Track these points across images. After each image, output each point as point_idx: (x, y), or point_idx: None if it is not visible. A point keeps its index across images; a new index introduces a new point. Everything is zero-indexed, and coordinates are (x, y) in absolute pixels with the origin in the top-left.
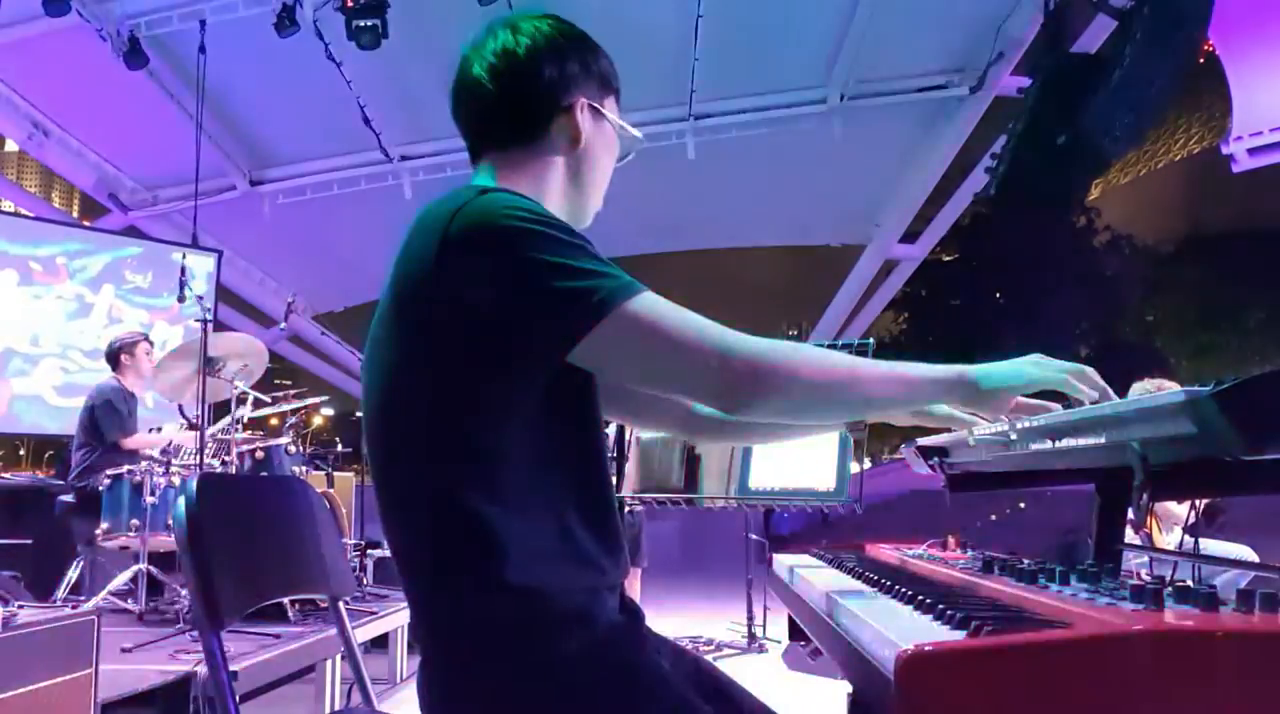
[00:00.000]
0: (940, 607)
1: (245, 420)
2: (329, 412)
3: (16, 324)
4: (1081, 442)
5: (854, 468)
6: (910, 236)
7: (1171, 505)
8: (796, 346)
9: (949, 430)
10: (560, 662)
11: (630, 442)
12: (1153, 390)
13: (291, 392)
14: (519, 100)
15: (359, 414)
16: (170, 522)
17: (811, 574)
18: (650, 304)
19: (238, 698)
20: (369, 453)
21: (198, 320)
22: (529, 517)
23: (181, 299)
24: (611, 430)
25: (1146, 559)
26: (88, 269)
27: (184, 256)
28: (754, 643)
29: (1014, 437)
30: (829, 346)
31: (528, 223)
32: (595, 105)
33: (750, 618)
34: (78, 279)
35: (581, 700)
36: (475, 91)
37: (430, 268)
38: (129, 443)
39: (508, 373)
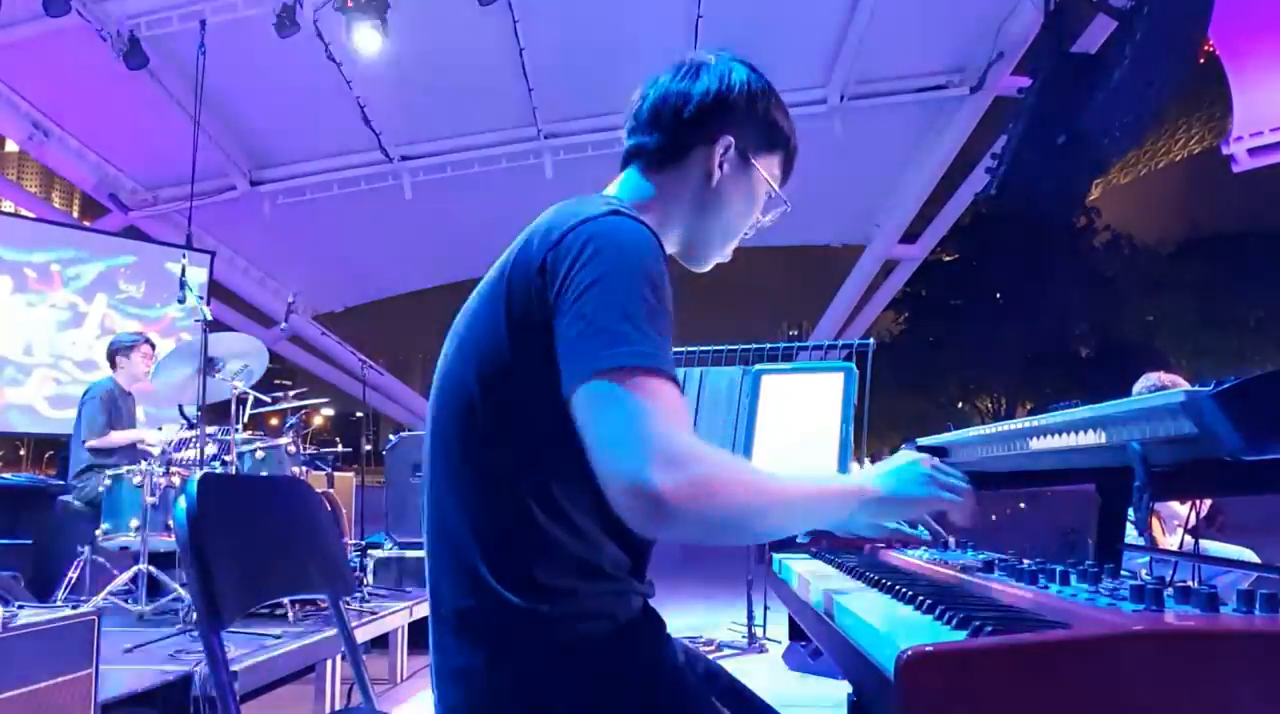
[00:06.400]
0: (940, 607)
1: (245, 421)
2: (329, 412)
3: (11, 332)
4: (1081, 441)
5: (854, 468)
6: (910, 236)
7: (1175, 505)
8: (724, 475)
9: None
10: (580, 655)
11: None
12: (1167, 385)
13: (291, 392)
14: (667, 119)
15: (359, 414)
16: (170, 522)
17: (811, 574)
18: (641, 385)
19: (238, 698)
20: (436, 428)
21: (196, 320)
22: (566, 522)
23: (181, 301)
24: None
25: (1147, 559)
26: (81, 277)
27: (185, 257)
28: (754, 643)
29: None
30: (828, 347)
31: (625, 259)
32: (745, 150)
33: (750, 618)
34: (71, 287)
35: (600, 695)
36: (647, 96)
37: (538, 265)
38: (94, 443)
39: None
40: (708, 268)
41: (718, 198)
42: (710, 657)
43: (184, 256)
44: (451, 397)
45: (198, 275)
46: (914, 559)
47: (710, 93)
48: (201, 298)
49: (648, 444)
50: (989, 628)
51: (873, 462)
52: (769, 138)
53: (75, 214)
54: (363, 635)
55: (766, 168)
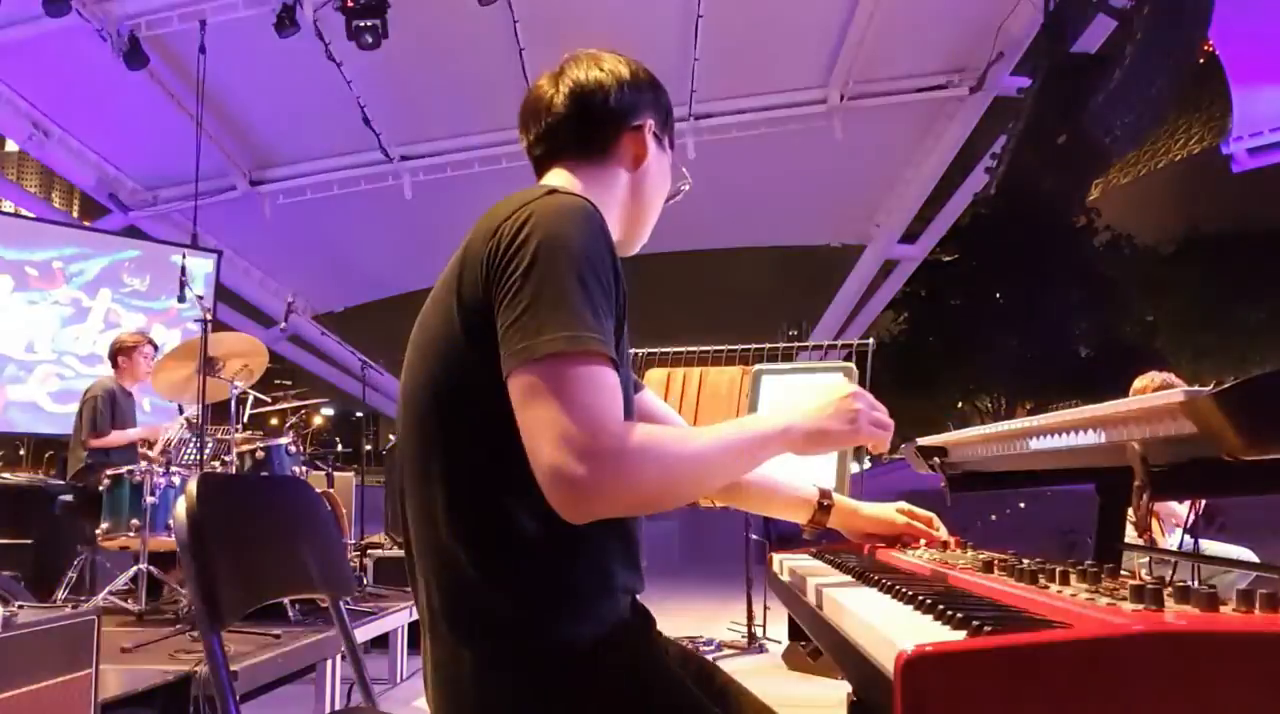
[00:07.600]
0: (940, 607)
1: (245, 421)
2: (329, 412)
3: (12, 330)
4: (1081, 441)
5: (854, 468)
6: (910, 236)
7: (1175, 505)
8: (642, 459)
9: None
10: (570, 655)
11: None
12: (1172, 384)
13: (291, 391)
14: (592, 114)
15: (359, 414)
16: (170, 522)
17: (812, 574)
18: (561, 372)
19: (238, 698)
20: (407, 435)
21: (197, 321)
22: (549, 519)
23: (182, 299)
24: None
25: (1147, 559)
26: (85, 273)
27: (184, 257)
28: (754, 643)
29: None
30: (827, 347)
31: (560, 240)
32: (658, 134)
33: (750, 618)
34: (74, 284)
35: (590, 695)
36: (549, 103)
37: (480, 257)
38: (95, 442)
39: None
40: (635, 250)
41: (646, 180)
42: (710, 657)
43: (183, 255)
44: (417, 402)
45: (204, 266)
46: (914, 559)
47: (622, 81)
48: (201, 298)
49: (568, 437)
50: (989, 628)
51: (873, 462)
52: (668, 116)
53: (75, 214)
54: (363, 635)
55: (669, 145)
